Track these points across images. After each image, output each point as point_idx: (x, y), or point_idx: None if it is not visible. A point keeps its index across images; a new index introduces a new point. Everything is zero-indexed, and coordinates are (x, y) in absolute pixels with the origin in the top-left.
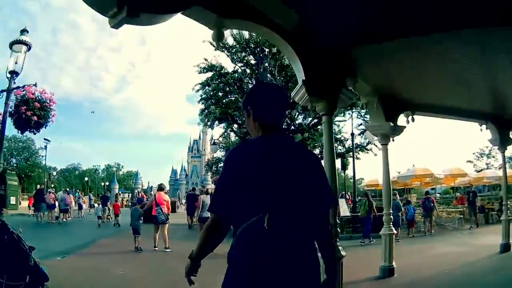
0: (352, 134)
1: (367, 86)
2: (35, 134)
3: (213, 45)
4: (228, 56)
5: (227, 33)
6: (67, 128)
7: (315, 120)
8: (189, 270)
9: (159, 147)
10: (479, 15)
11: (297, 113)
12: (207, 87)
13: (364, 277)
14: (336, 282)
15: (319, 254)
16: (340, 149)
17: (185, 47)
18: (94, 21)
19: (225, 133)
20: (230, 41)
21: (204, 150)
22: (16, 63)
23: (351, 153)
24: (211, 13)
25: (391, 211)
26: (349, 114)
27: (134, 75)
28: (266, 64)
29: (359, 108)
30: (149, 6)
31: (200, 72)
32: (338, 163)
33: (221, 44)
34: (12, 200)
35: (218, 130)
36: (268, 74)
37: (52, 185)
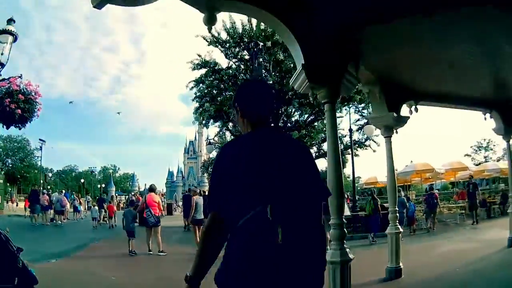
0: (350, 130)
1: (369, 73)
2: (20, 129)
3: (207, 40)
4: (222, 51)
5: (220, 27)
6: (63, 128)
7: (312, 117)
8: None
9: (155, 149)
10: None
11: (293, 110)
12: (201, 85)
13: (370, 279)
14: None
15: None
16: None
17: (179, 47)
18: (88, 20)
19: (221, 132)
20: (223, 35)
21: (200, 151)
22: (1, 54)
23: (349, 150)
24: None
25: (397, 209)
26: (345, 110)
27: (129, 75)
28: (261, 60)
29: (356, 102)
30: None
31: (193, 69)
32: None
33: (214, 40)
34: None
35: (213, 130)
36: (263, 70)
37: (49, 187)
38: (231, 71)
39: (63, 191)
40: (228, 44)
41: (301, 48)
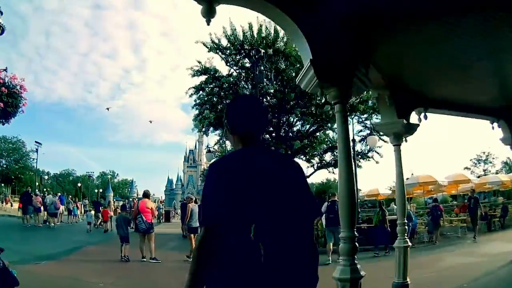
0: (354, 141)
1: (379, 76)
2: (3, 124)
3: (207, 46)
4: (222, 58)
5: (220, 33)
6: (61, 132)
7: (314, 127)
8: None
9: (155, 156)
10: None
11: (295, 120)
12: (201, 92)
13: None
14: None
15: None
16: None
17: (179, 56)
18: (87, 25)
19: (221, 141)
20: (224, 42)
21: (200, 160)
22: None
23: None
24: None
25: (406, 221)
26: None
27: (129, 83)
28: (262, 68)
29: (359, 112)
30: None
31: (193, 75)
32: (336, 171)
33: (215, 46)
34: None
35: (213, 139)
36: (264, 78)
37: (45, 189)
38: (231, 79)
39: (59, 194)
40: (228, 51)
41: (309, 43)
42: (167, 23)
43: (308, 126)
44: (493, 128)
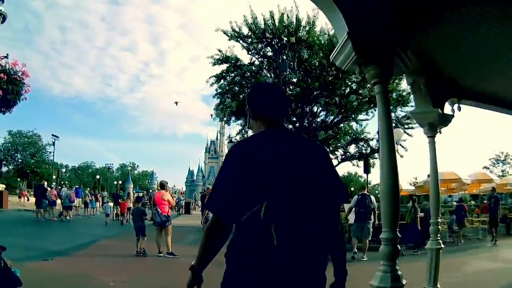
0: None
1: (415, 60)
2: (4, 113)
3: (227, 35)
4: (243, 47)
5: (240, 22)
6: (80, 126)
7: (339, 118)
8: (191, 284)
9: (176, 148)
10: None
11: (319, 110)
12: (222, 81)
13: None
14: None
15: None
16: (365, 149)
17: (199, 48)
18: (104, 20)
19: (243, 131)
20: (244, 31)
21: (222, 151)
22: None
23: (375, 155)
24: None
25: (439, 220)
26: (371, 112)
27: (148, 75)
28: (284, 57)
29: None
30: None
31: (214, 64)
32: (361, 164)
33: (236, 34)
34: None
35: (235, 129)
36: (287, 68)
37: (62, 182)
38: (253, 67)
39: (76, 186)
40: (250, 40)
41: (344, 14)
42: (186, 15)
43: (332, 117)
44: None
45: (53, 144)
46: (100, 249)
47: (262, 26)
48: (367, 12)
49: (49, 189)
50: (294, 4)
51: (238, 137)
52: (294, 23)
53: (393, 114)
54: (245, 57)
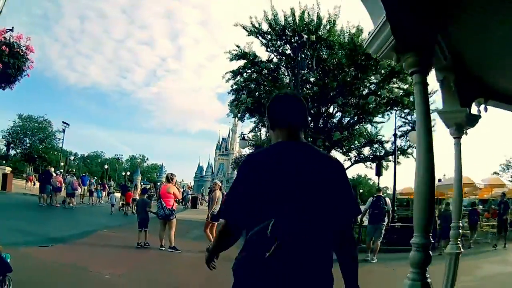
0: (395, 135)
1: (443, 59)
2: (4, 89)
3: (246, 30)
4: (262, 44)
5: (261, 18)
6: (93, 116)
7: (355, 119)
8: (207, 260)
9: (187, 143)
10: None
11: (335, 110)
12: (238, 77)
13: None
14: None
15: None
16: (379, 152)
17: (217, 45)
18: (124, 12)
19: (256, 129)
20: (264, 27)
21: (233, 148)
22: None
23: (389, 157)
24: None
25: (461, 224)
26: (387, 115)
27: (165, 70)
28: (303, 56)
29: (400, 106)
30: None
31: (231, 59)
32: (374, 166)
33: (255, 30)
34: None
35: (247, 128)
36: (305, 66)
37: (69, 170)
38: (271, 65)
39: (83, 174)
40: (269, 36)
41: None
42: (205, 12)
43: (348, 118)
44: None
45: (63, 131)
46: (101, 239)
47: (282, 23)
48: None
49: (54, 175)
50: (315, 1)
51: (250, 135)
52: (315, 21)
53: (409, 117)
54: (263, 54)
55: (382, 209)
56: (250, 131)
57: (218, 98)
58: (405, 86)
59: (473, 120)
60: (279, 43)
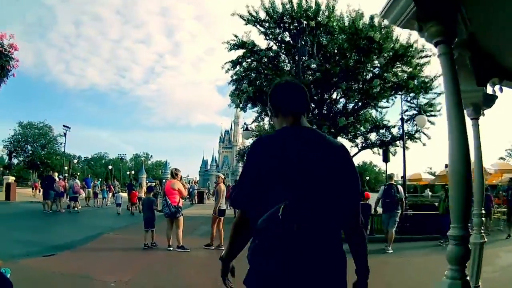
0: (402, 119)
1: (465, 31)
2: None
3: (244, 19)
4: (261, 32)
5: (258, 5)
6: (94, 117)
7: (360, 104)
8: (223, 272)
9: (190, 138)
10: None
11: (339, 96)
12: (238, 67)
13: None
14: None
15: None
16: (385, 137)
17: (213, 38)
18: (119, 13)
19: (259, 118)
20: (262, 15)
21: (236, 141)
22: None
23: (396, 143)
24: None
25: (483, 211)
26: (392, 100)
27: (163, 66)
28: (303, 43)
29: (405, 90)
30: None
31: (230, 49)
32: (381, 152)
33: (253, 18)
34: None
35: (250, 119)
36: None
37: (73, 173)
38: (271, 53)
39: (86, 176)
40: (267, 24)
41: None
42: (200, 7)
43: (352, 104)
44: None
45: (65, 135)
46: (106, 242)
47: (280, 10)
48: None
49: (57, 179)
50: None
51: (253, 125)
52: (313, 7)
53: (415, 101)
54: (262, 43)
55: (394, 197)
56: (253, 121)
57: (218, 91)
58: (409, 70)
59: (490, 100)
60: (277, 30)
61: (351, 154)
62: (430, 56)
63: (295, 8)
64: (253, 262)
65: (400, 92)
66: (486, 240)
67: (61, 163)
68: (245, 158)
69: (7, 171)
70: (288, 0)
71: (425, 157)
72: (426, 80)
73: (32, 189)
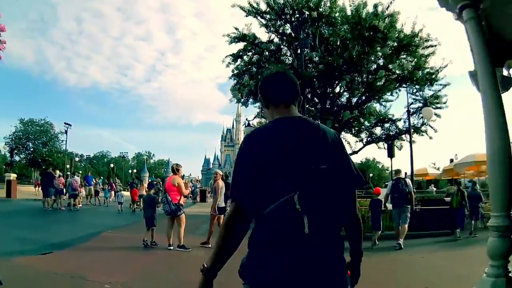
0: (408, 112)
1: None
2: None
3: (244, 10)
4: (262, 24)
5: None
6: (96, 116)
7: (364, 97)
8: None
9: (192, 137)
10: None
11: (342, 89)
12: (239, 60)
13: None
14: None
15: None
16: (391, 131)
17: (214, 36)
18: (119, 10)
19: (261, 113)
20: (262, 7)
21: (238, 138)
22: None
23: (402, 136)
24: None
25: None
26: (396, 93)
27: (164, 64)
28: (304, 34)
29: (409, 82)
30: None
31: (230, 43)
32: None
33: (253, 10)
34: None
35: (252, 114)
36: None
37: (74, 172)
38: (272, 46)
39: (89, 174)
40: (268, 16)
41: None
42: (201, 4)
43: (357, 98)
44: None
45: (66, 132)
46: (105, 241)
47: (281, 1)
48: None
49: (57, 176)
50: None
51: (255, 121)
52: None
53: (420, 93)
54: (263, 36)
55: (402, 191)
56: (255, 117)
57: (219, 88)
58: (414, 61)
59: (507, 83)
60: (279, 22)
61: (356, 150)
62: (435, 46)
63: None
64: (255, 254)
65: (405, 85)
66: None
67: (63, 161)
68: (239, 149)
69: (9, 168)
70: None
71: (429, 153)
72: (432, 71)
73: (35, 187)
